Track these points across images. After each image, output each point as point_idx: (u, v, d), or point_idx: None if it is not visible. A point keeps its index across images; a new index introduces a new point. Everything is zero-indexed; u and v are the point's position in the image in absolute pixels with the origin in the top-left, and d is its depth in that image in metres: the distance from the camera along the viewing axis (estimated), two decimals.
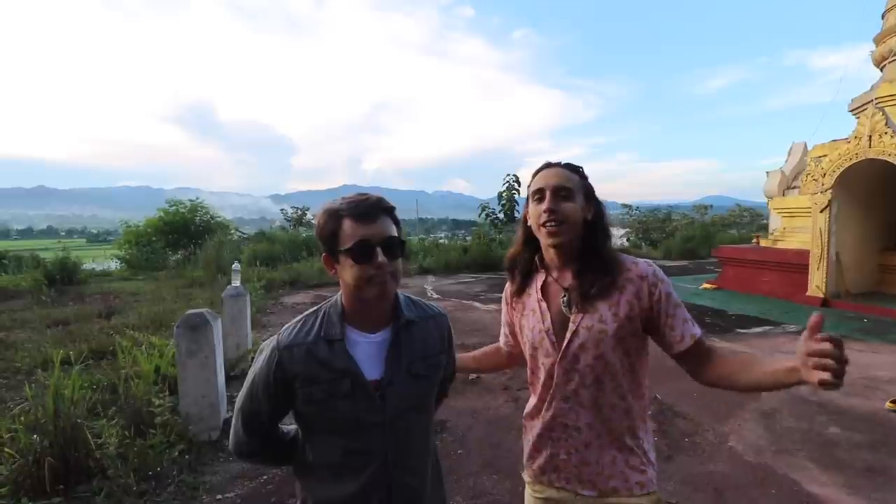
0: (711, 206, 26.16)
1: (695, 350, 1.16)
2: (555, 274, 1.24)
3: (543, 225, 1.17)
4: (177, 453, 3.07)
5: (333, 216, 1.02)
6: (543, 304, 1.23)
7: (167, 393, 3.51)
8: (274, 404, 1.08)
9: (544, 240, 1.20)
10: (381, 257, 0.98)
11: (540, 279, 1.27)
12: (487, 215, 17.19)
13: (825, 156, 7.87)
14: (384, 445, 1.06)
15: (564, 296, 1.20)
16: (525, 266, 1.30)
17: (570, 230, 1.16)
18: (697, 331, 1.17)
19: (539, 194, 1.19)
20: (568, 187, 1.17)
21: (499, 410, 3.92)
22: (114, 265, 15.41)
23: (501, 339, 1.49)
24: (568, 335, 1.18)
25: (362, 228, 0.99)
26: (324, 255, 1.06)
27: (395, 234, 1.03)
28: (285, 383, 1.04)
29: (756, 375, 1.05)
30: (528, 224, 1.25)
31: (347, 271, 1.01)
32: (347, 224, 1.00)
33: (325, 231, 1.03)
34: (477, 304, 8.40)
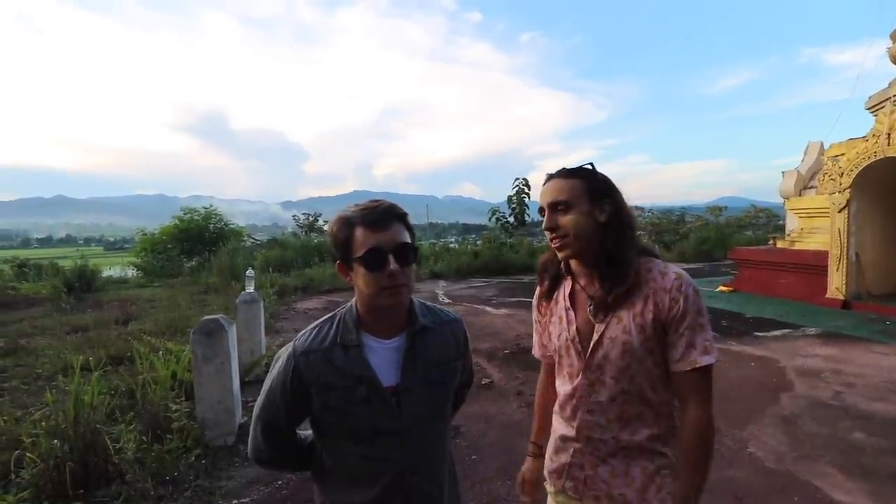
0: (726, 208, 25.73)
1: (691, 378, 1.08)
2: (582, 281, 1.21)
3: (550, 241, 1.17)
4: (193, 458, 3.10)
5: (346, 224, 1.02)
6: (571, 313, 1.21)
7: (183, 398, 3.56)
8: (291, 411, 1.08)
9: (557, 254, 1.19)
10: (392, 265, 0.98)
11: (568, 286, 1.24)
12: (498, 219, 17.16)
13: (843, 154, 7.72)
14: (401, 452, 1.05)
15: (591, 305, 1.17)
16: (554, 270, 1.28)
17: (577, 241, 1.13)
18: (706, 360, 1.07)
19: (542, 212, 1.19)
20: (562, 199, 1.13)
21: (512, 416, 3.89)
22: (130, 272, 15.69)
23: (538, 351, 1.41)
24: (592, 345, 1.15)
25: (374, 236, 0.99)
26: (338, 262, 1.07)
27: (408, 241, 1.03)
28: (302, 389, 1.04)
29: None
30: None
31: (361, 279, 1.01)
32: (359, 232, 1.00)
33: (338, 239, 1.03)
34: (489, 309, 8.38)
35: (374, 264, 0.98)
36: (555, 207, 1.14)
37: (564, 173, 1.17)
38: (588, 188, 1.14)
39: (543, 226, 1.16)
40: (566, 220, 1.12)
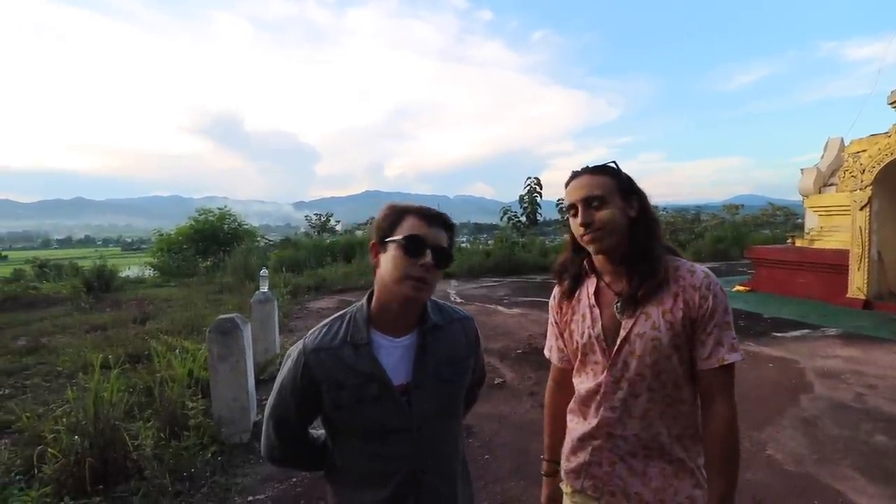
0: (742, 206, 25.27)
1: (717, 376, 1.09)
2: (607, 279, 1.21)
3: (583, 237, 1.15)
4: (210, 455, 3.15)
5: (398, 211, 1.06)
6: (595, 310, 1.20)
7: (200, 396, 3.61)
8: (302, 409, 1.08)
9: (590, 249, 1.18)
10: (428, 258, 1.00)
11: (592, 284, 1.23)
12: (509, 219, 17.09)
13: (864, 151, 7.54)
14: (412, 451, 1.05)
15: (617, 301, 1.16)
16: (575, 270, 1.27)
17: (612, 234, 1.13)
18: (733, 357, 1.09)
19: (573, 210, 1.17)
20: (598, 195, 1.12)
21: (525, 416, 3.87)
22: (147, 272, 15.96)
23: (555, 354, 1.37)
24: (618, 341, 1.14)
25: (423, 227, 1.02)
26: (372, 243, 1.08)
27: (447, 248, 1.06)
28: (312, 387, 1.05)
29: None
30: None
31: (391, 262, 1.02)
32: (410, 219, 1.03)
33: (384, 221, 1.06)
34: (501, 308, 8.35)
35: (413, 250, 1.00)
36: (589, 203, 1.13)
37: (594, 170, 1.18)
38: (618, 185, 1.16)
39: (579, 221, 1.14)
40: (602, 214, 1.12)
